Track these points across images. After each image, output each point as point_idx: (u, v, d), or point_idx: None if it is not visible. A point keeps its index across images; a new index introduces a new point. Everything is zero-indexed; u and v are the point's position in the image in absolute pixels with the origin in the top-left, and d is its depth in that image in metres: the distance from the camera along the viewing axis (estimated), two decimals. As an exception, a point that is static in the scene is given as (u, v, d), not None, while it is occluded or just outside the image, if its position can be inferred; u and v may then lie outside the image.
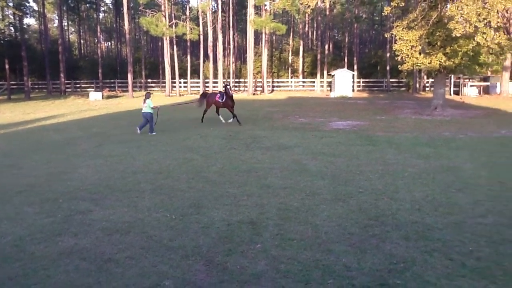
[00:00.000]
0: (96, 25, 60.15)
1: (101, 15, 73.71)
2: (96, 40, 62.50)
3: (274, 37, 58.14)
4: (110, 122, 20.03)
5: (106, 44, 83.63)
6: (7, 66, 41.93)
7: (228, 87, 18.82)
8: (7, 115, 24.64)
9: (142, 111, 16.01)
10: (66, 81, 46.22)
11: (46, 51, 48.71)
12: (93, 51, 71.26)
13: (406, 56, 22.53)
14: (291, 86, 48.97)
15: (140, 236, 5.88)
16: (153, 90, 48.94)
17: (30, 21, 68.58)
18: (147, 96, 16.28)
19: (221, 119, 18.61)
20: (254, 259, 5.10)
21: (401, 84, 45.71)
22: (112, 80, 50.13)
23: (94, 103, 33.29)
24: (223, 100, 18.30)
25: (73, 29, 78.24)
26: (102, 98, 37.23)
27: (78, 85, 51.04)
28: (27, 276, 4.79)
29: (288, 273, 4.75)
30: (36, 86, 51.38)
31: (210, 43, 43.48)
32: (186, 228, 6.14)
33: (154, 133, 15.61)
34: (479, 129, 16.43)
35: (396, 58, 25.42)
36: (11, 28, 46.43)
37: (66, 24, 70.32)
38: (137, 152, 12.10)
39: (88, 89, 46.86)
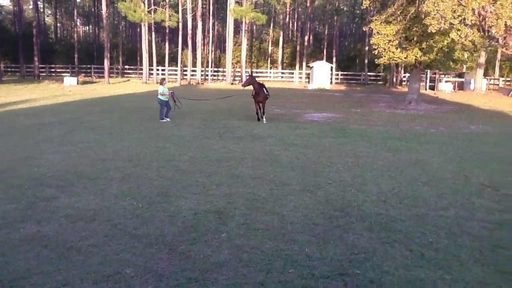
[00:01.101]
0: (73, 8, 58.63)
1: (79, -2, 72.02)
2: (73, 24, 61.04)
3: (254, 27, 57.92)
4: (84, 108, 19.68)
5: (83, 29, 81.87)
6: (-22, 48, 40.68)
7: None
8: (-24, 98, 23.96)
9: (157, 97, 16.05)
10: (40, 65, 45.07)
11: (20, 33, 47.29)
12: (70, 35, 69.64)
13: (383, 50, 22.78)
14: (270, 77, 48.93)
15: (105, 224, 5.83)
16: (130, 77, 48.31)
17: (4, 1, 66.65)
18: (161, 82, 16.42)
19: (264, 119, 16.08)
20: (218, 248, 5.12)
21: (378, 78, 46.22)
22: (88, 66, 49.11)
23: (68, 88, 32.60)
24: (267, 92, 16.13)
25: (49, 12, 76.18)
26: (77, 83, 36.48)
27: (53, 70, 49.88)
28: (-16, 262, 4.71)
29: (251, 262, 4.78)
30: (9, 69, 50.04)
31: (189, 31, 43.02)
32: (152, 216, 6.11)
33: (164, 120, 15.49)
34: (450, 124, 16.77)
35: (373, 52, 25.69)
36: (-16, 8, 44.96)
37: (42, 6, 68.56)
38: (109, 139, 11.94)
39: (63, 74, 45.84)
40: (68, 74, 43.57)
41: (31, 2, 63.49)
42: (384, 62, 24.11)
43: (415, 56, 22.17)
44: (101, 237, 5.40)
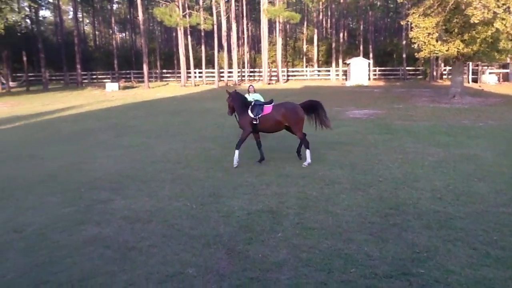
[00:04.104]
0: (110, 16, 60.32)
1: (115, 6, 73.69)
2: (111, 31, 62.73)
3: (288, 26, 57.66)
4: (128, 113, 20.16)
5: (120, 35, 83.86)
6: (24, 58, 42.48)
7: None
8: (26, 106, 24.98)
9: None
10: (82, 72, 46.59)
11: (62, 42, 49.08)
12: (108, 42, 71.50)
13: (423, 44, 22.17)
14: (306, 75, 48.61)
15: (162, 224, 5.95)
16: (168, 81, 49.12)
17: (45, 13, 69.02)
18: (248, 90, 12.37)
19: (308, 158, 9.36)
20: (275, 248, 5.12)
21: (417, 72, 45.05)
22: (127, 71, 50.37)
23: (111, 94, 33.53)
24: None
25: (87, 21, 78.56)
26: (119, 89, 37.47)
27: (94, 76, 51.40)
28: (53, 263, 4.89)
29: (310, 261, 4.76)
30: (54, 78, 51.86)
31: (224, 33, 43.33)
32: (206, 217, 6.19)
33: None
34: (499, 117, 16.15)
35: (412, 46, 25.07)
36: (27, 20, 46.75)
37: (80, 15, 70.71)
38: (156, 142, 12.18)
39: (104, 80, 47.13)
40: (109, 80, 44.73)
41: (71, 13, 65.71)
42: (425, 55, 23.44)
43: (457, 48, 21.46)
44: (160, 238, 5.51)
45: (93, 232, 5.78)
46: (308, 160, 9.03)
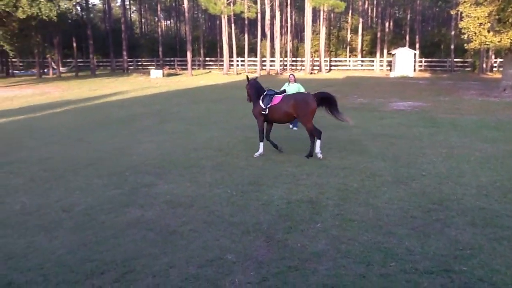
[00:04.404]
0: (156, 3, 61.31)
1: (161, -6, 74.92)
2: (156, 19, 63.86)
3: (332, 15, 56.77)
4: (171, 100, 20.56)
5: (165, 23, 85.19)
6: (74, 45, 43.95)
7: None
8: (75, 91, 25.92)
9: None
10: (128, 59, 47.77)
11: (109, 29, 50.47)
12: (153, 29, 72.90)
13: (474, 34, 21.37)
14: (349, 65, 47.87)
15: (203, 210, 6.07)
16: (211, 68, 49.60)
17: (95, 0, 71.06)
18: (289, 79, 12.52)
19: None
20: (314, 238, 5.13)
21: (466, 64, 43.42)
22: (171, 58, 51.27)
23: (155, 80, 34.25)
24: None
25: (134, 8, 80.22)
26: (163, 75, 38.21)
27: (139, 63, 52.64)
28: (99, 243, 5.10)
29: (349, 253, 4.74)
30: (101, 64, 53.50)
31: (267, 21, 43.22)
32: (246, 204, 6.26)
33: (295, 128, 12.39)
34: (553, 112, 15.38)
35: (462, 37, 24.20)
36: (78, 8, 48.34)
37: (128, 3, 72.21)
38: (198, 129, 12.39)
39: (149, 67, 48.19)
40: (153, 67, 45.69)
41: (119, 0, 67.22)
42: (475, 47, 22.58)
43: (510, 39, 20.51)
44: (201, 223, 5.63)
45: (136, 214, 5.98)
46: (318, 149, 8.78)
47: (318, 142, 8.80)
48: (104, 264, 4.58)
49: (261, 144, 9.19)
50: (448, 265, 4.45)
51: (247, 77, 9.87)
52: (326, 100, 8.94)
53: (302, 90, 11.24)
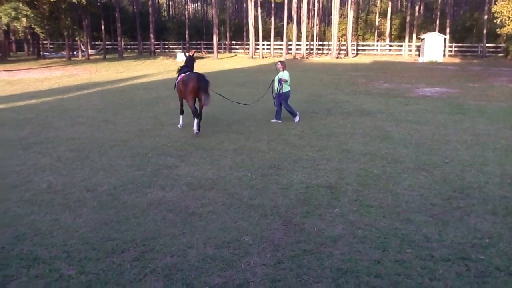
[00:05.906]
0: (183, -14, 61.35)
1: (189, -24, 74.83)
2: (183, 2, 63.91)
3: (361, -2, 55.73)
4: (195, 83, 20.62)
5: (192, 6, 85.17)
6: (102, 27, 44.42)
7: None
8: (103, 73, 26.31)
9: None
10: (155, 42, 48.08)
11: (137, 12, 50.78)
12: (181, 12, 73.03)
13: (507, 19, 20.68)
14: (377, 50, 46.97)
15: (222, 193, 6.16)
16: (237, 52, 49.46)
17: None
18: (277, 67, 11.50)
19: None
20: (331, 223, 5.16)
21: (498, 50, 42.04)
22: (197, 42, 51.34)
23: (181, 63, 34.40)
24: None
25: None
26: (188, 59, 38.30)
27: (166, 46, 52.90)
28: (120, 222, 5.25)
29: (365, 239, 4.76)
30: (128, 47, 53.98)
31: (294, 5, 42.70)
32: (265, 188, 6.32)
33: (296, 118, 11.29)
34: None
35: (494, 21, 23.47)
36: (106, -10, 48.75)
37: (155, -14, 72.44)
38: (220, 112, 12.45)
39: (175, 50, 48.40)
40: (180, 50, 45.84)
41: (146, -18, 67.44)
42: (508, 31, 21.90)
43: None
44: (220, 205, 5.72)
45: (157, 195, 6.11)
46: (194, 128, 9.64)
47: (195, 121, 9.64)
48: (124, 243, 4.72)
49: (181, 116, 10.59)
50: (465, 253, 4.43)
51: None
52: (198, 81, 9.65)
53: (288, 79, 10.99)
